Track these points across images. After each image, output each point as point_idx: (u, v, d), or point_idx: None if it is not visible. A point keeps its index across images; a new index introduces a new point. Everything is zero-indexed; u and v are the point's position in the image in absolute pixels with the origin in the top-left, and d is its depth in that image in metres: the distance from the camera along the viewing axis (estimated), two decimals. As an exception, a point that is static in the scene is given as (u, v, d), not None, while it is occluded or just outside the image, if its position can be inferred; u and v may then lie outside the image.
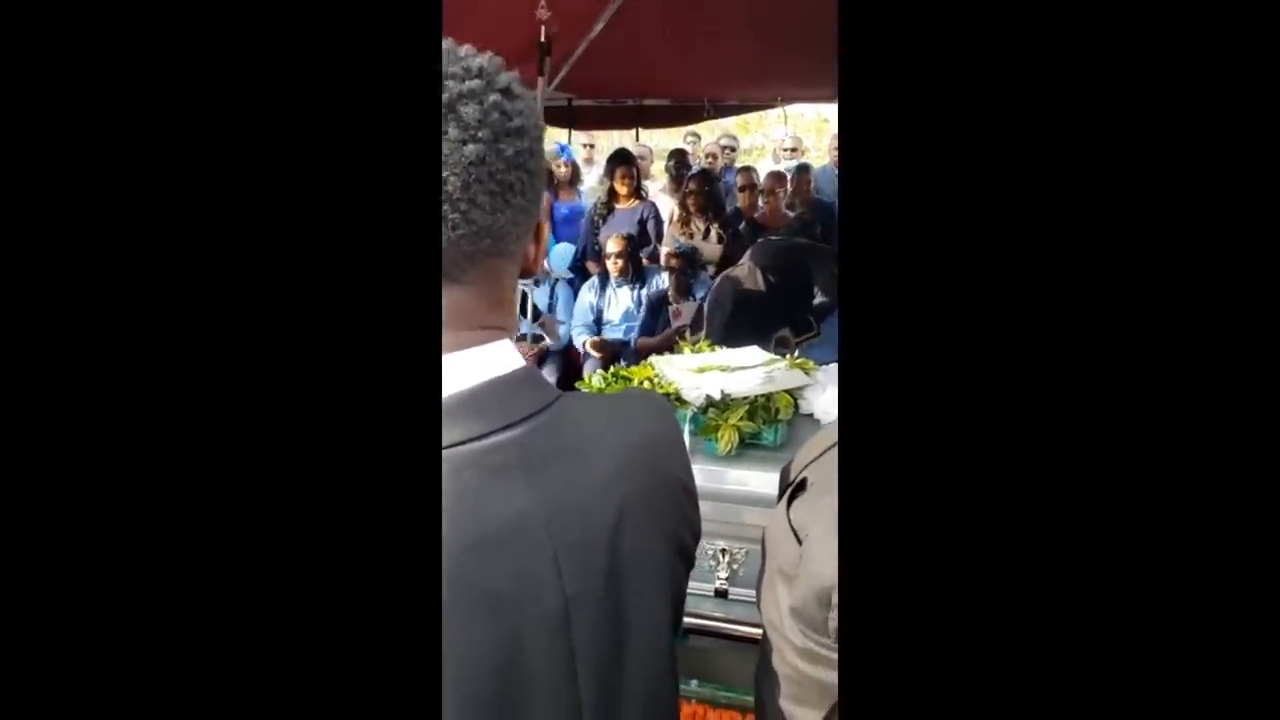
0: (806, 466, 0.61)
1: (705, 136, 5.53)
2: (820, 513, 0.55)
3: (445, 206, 0.49)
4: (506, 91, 0.52)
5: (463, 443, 0.48)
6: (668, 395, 1.45)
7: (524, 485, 0.49)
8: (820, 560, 0.53)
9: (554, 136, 5.11)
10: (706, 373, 1.53)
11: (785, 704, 0.61)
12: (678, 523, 0.57)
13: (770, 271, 3.01)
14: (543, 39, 2.89)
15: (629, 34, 3.43)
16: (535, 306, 3.56)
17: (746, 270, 3.15)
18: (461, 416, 0.49)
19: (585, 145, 5.23)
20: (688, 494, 0.59)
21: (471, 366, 0.51)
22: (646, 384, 1.49)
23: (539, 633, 0.49)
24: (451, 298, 0.51)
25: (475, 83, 0.50)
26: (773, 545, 0.61)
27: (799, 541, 0.56)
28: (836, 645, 0.53)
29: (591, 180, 4.69)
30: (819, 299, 3.05)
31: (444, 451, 0.47)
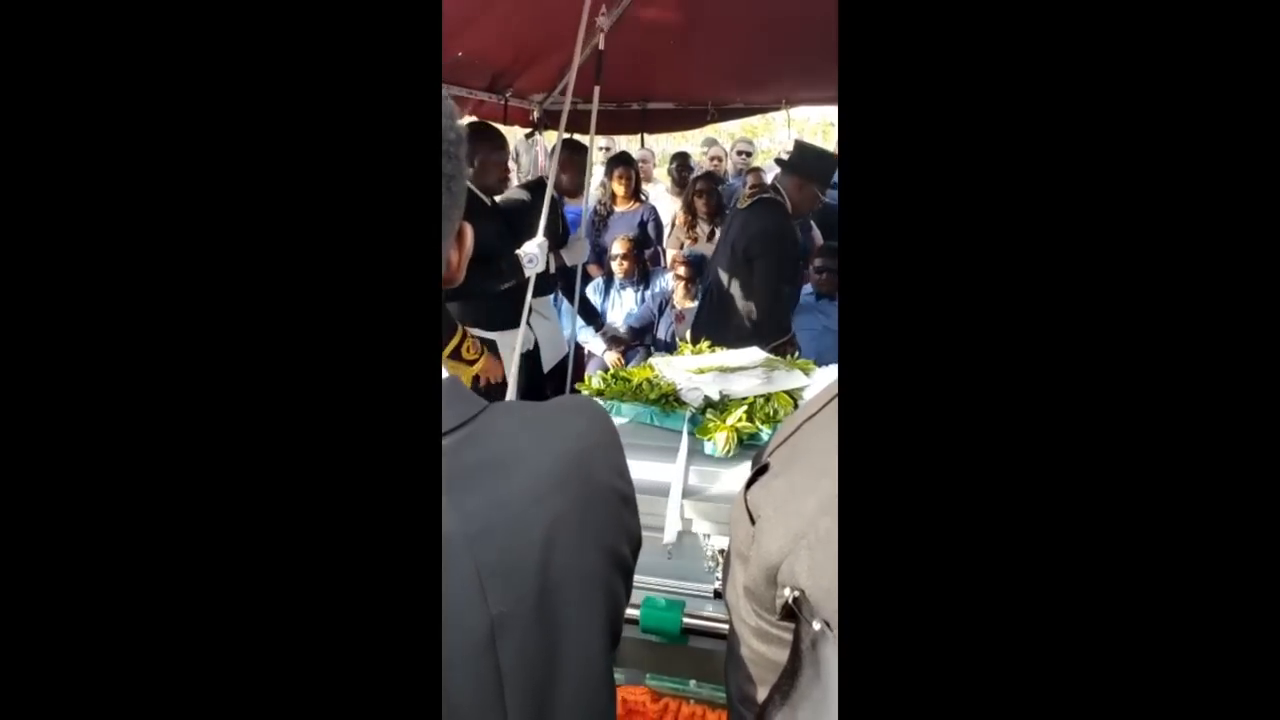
0: (773, 452, 0.61)
1: (722, 143, 5.55)
2: (772, 493, 0.55)
3: None
4: None
5: None
6: (666, 396, 1.45)
7: (445, 504, 0.47)
8: (769, 538, 0.53)
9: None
10: (705, 374, 1.54)
11: (746, 686, 0.60)
12: (615, 534, 0.55)
13: (736, 277, 2.92)
14: (601, 46, 2.91)
15: (633, 38, 3.43)
16: (585, 300, 3.55)
17: (715, 284, 3.05)
18: None
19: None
20: (625, 502, 0.58)
21: None
22: (646, 385, 1.49)
23: (461, 657, 0.47)
24: None
25: None
26: (732, 529, 0.61)
27: (753, 522, 0.56)
28: (783, 624, 0.53)
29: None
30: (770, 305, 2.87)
31: None
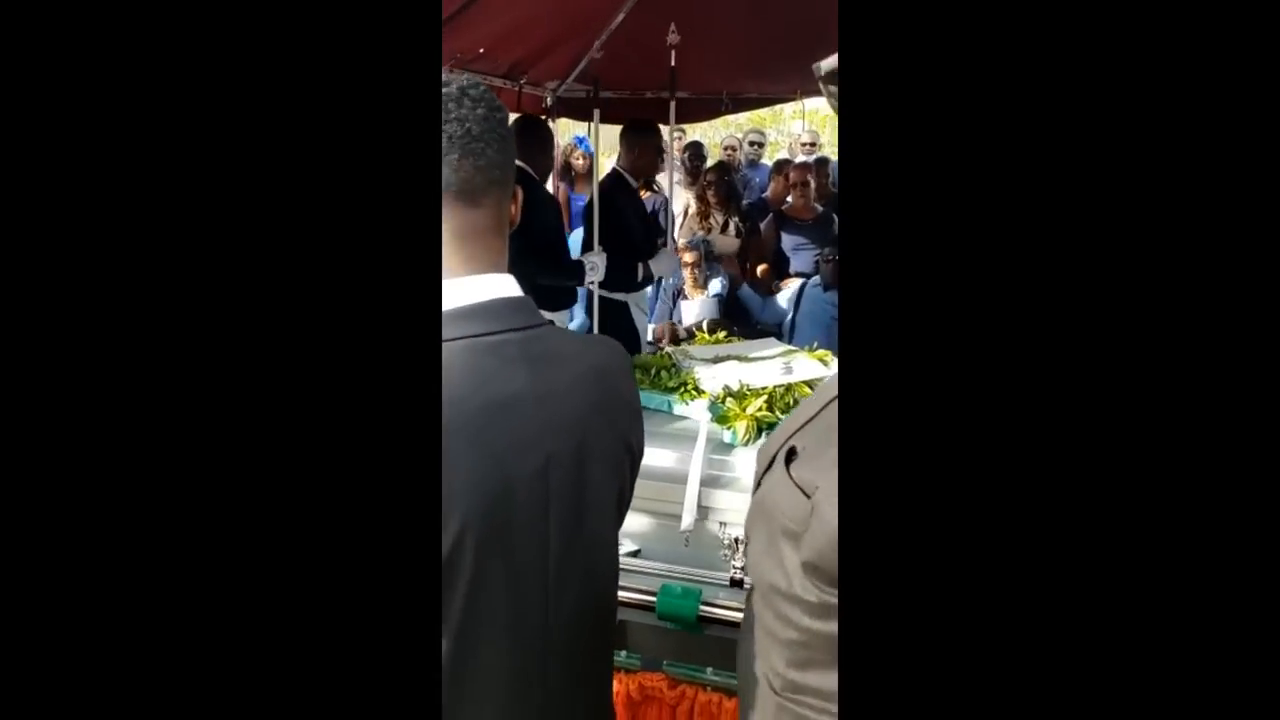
0: (792, 436, 0.61)
1: (720, 132, 5.54)
2: (826, 466, 0.55)
3: (471, 146, 0.70)
4: (490, 96, 0.75)
5: (484, 335, 0.70)
6: (685, 384, 1.45)
7: (523, 371, 0.70)
8: (834, 507, 0.53)
9: (573, 129, 5.11)
10: (724, 363, 1.54)
11: (791, 673, 0.61)
12: (627, 428, 0.80)
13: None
14: (673, 63, 3.16)
15: (648, 27, 3.42)
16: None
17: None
18: (484, 317, 0.71)
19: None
20: (634, 413, 0.82)
21: (490, 286, 0.73)
22: (664, 374, 1.50)
23: (525, 476, 0.69)
24: (473, 216, 0.72)
25: (471, 88, 0.74)
26: (772, 509, 0.61)
27: (807, 497, 0.56)
28: None
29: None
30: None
31: (471, 340, 0.68)
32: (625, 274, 3.11)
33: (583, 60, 3.73)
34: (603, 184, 3.22)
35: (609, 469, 0.76)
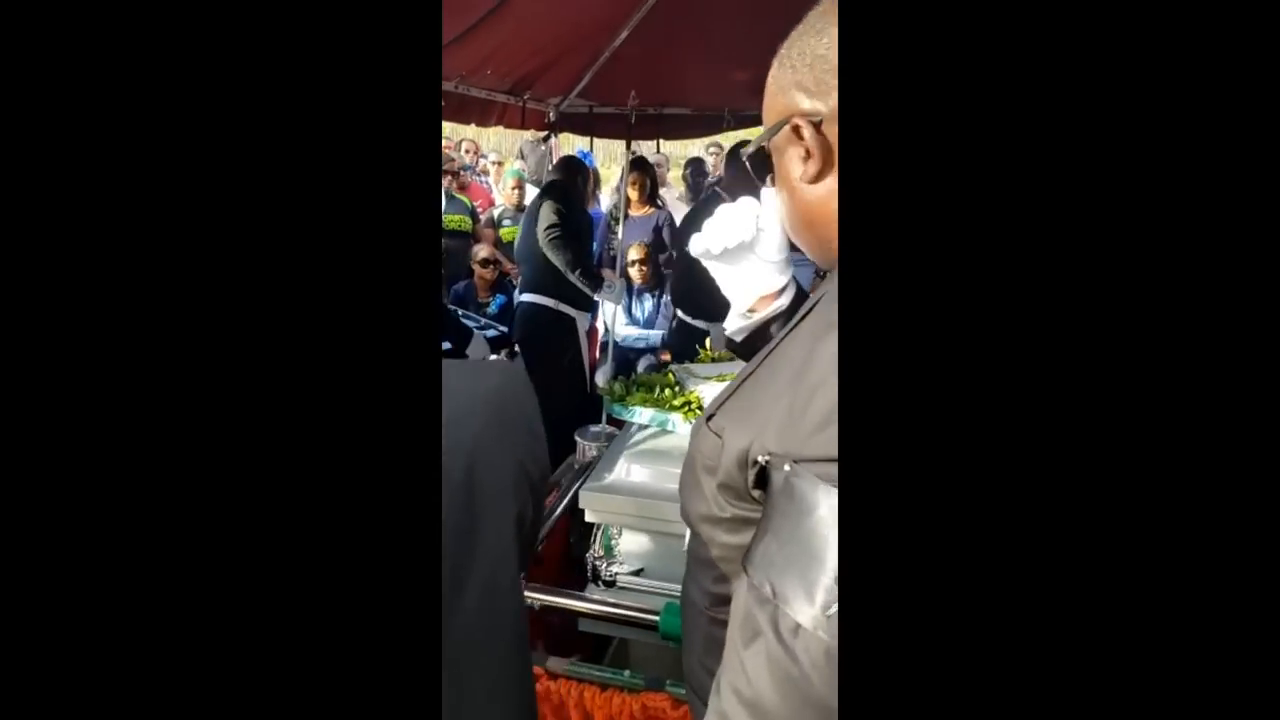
0: (718, 408, 0.69)
1: (728, 146, 5.57)
2: (733, 412, 0.65)
3: None
4: None
5: None
6: (688, 403, 1.46)
7: None
8: (738, 437, 0.62)
9: (575, 143, 5.13)
10: (727, 380, 1.54)
11: (716, 588, 0.69)
12: (523, 450, 0.82)
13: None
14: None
15: (650, 43, 3.44)
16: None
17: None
18: None
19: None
20: (532, 435, 0.84)
21: None
22: (668, 391, 1.50)
23: None
24: None
25: None
26: (695, 455, 0.69)
27: (719, 438, 0.65)
28: (755, 501, 0.61)
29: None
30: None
31: None
32: (709, 299, 3.10)
33: (585, 76, 3.75)
34: (698, 203, 3.60)
35: (503, 491, 0.79)
